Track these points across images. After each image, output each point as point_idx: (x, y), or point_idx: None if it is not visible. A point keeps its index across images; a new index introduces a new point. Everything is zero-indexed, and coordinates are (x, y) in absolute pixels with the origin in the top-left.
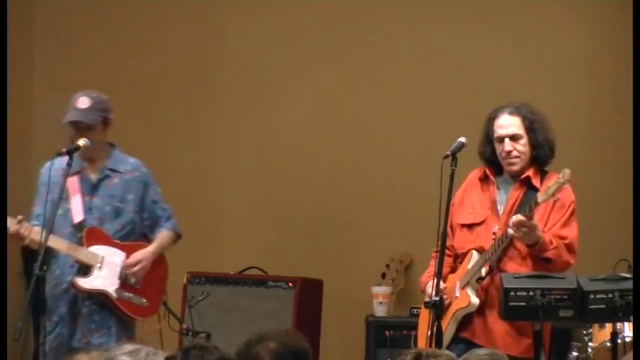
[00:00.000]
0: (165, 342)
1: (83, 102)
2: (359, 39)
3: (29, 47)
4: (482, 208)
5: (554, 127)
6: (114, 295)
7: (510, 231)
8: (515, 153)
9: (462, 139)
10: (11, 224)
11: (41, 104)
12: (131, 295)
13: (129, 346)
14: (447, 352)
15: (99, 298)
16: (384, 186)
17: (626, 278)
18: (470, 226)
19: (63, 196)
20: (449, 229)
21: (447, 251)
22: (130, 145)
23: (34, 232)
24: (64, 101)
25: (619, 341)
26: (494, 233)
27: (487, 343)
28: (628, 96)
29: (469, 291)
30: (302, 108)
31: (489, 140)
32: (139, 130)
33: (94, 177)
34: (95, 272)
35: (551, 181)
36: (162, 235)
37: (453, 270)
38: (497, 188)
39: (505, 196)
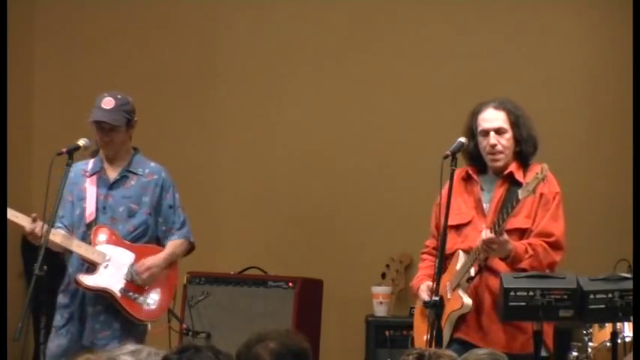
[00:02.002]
0: (167, 343)
1: (108, 102)
2: (359, 39)
3: (29, 47)
4: (467, 208)
5: (553, 128)
6: (117, 294)
7: (485, 254)
8: (499, 147)
9: (462, 139)
10: (26, 223)
11: (41, 104)
12: (136, 294)
13: (130, 346)
14: (449, 352)
15: (106, 299)
16: (384, 186)
17: (626, 278)
18: (457, 227)
19: (81, 196)
20: (434, 230)
21: (433, 252)
22: None
23: (52, 234)
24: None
25: (619, 341)
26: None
27: (484, 343)
28: (628, 96)
29: (460, 292)
30: (302, 108)
31: (473, 135)
32: (138, 130)
33: (111, 177)
34: (100, 270)
35: (530, 177)
36: (175, 244)
37: (442, 271)
38: (481, 188)
39: (489, 195)
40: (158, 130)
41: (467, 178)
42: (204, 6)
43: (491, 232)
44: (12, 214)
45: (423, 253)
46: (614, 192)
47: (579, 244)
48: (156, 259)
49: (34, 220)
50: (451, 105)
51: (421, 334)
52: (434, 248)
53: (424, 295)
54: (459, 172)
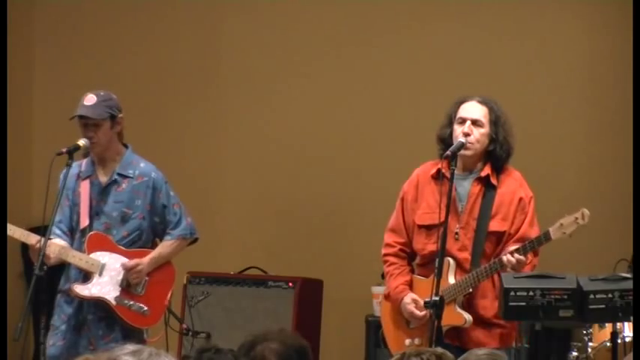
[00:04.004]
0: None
1: (90, 99)
2: (359, 38)
3: (29, 47)
4: (439, 208)
5: (553, 128)
6: (113, 302)
7: (510, 272)
8: (471, 138)
9: (462, 139)
10: (33, 241)
11: (41, 104)
12: (132, 302)
13: (131, 346)
14: (434, 349)
15: (104, 305)
16: (384, 186)
17: (626, 278)
18: (428, 227)
19: (76, 202)
20: (403, 227)
21: (400, 253)
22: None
23: (49, 247)
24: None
25: (619, 341)
26: (456, 233)
27: (465, 344)
28: (628, 96)
29: (458, 308)
30: (302, 108)
31: (450, 122)
32: (138, 130)
33: (103, 181)
34: (95, 279)
35: (568, 220)
36: (164, 245)
37: (413, 270)
38: (455, 188)
39: (462, 193)
40: (158, 129)
41: (437, 177)
42: (206, 5)
43: (519, 254)
44: (23, 236)
45: (388, 254)
46: (614, 192)
47: (579, 244)
48: (143, 260)
49: (36, 244)
50: (450, 105)
51: (399, 338)
52: (401, 249)
53: (411, 307)
54: (427, 168)
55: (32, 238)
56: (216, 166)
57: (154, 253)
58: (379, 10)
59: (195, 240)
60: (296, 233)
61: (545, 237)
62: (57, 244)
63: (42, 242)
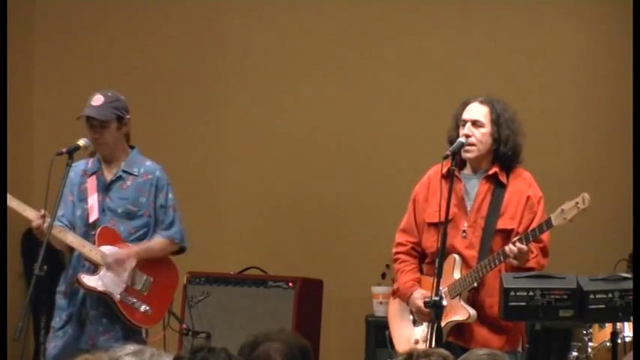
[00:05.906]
0: (167, 343)
1: (97, 99)
2: (360, 38)
3: (29, 47)
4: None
5: (552, 128)
6: (117, 297)
7: (514, 262)
8: (472, 139)
9: (462, 140)
10: (34, 217)
11: (41, 103)
12: (135, 300)
13: (132, 347)
14: (440, 350)
15: (107, 302)
16: (384, 186)
17: (626, 278)
18: (437, 225)
19: (81, 197)
20: (414, 226)
21: (412, 251)
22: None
23: (55, 230)
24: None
25: (619, 341)
26: (463, 231)
27: (468, 343)
28: (628, 96)
29: (463, 303)
30: (302, 108)
31: (457, 125)
32: (138, 130)
33: (108, 178)
34: (102, 272)
35: (568, 205)
36: (154, 240)
37: (422, 270)
38: (463, 186)
39: (470, 192)
40: (159, 129)
41: (447, 176)
42: (206, 6)
43: (521, 243)
44: (21, 208)
45: (399, 252)
46: (613, 192)
47: (579, 244)
48: (128, 249)
49: (42, 217)
50: (451, 106)
51: (405, 337)
52: (412, 248)
53: (419, 302)
54: (439, 169)
55: (31, 213)
56: (216, 166)
57: (142, 246)
58: (382, 10)
59: (183, 250)
60: (296, 233)
61: (546, 223)
62: (70, 232)
63: (45, 240)
